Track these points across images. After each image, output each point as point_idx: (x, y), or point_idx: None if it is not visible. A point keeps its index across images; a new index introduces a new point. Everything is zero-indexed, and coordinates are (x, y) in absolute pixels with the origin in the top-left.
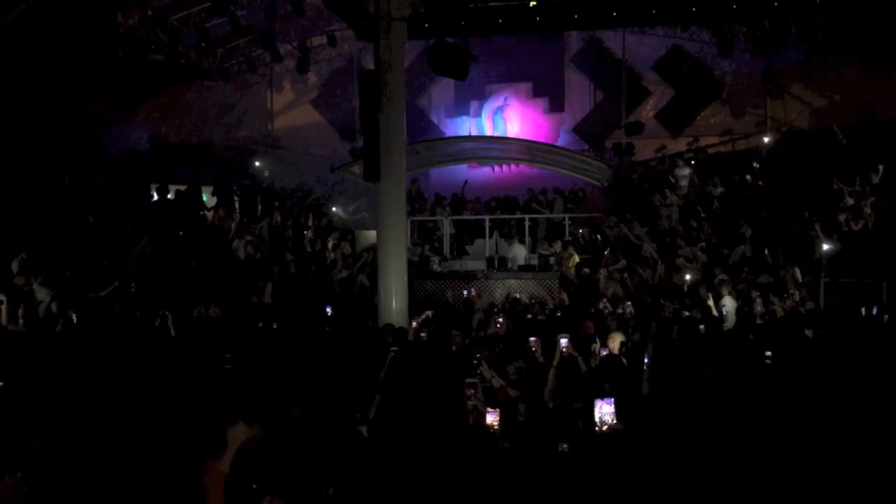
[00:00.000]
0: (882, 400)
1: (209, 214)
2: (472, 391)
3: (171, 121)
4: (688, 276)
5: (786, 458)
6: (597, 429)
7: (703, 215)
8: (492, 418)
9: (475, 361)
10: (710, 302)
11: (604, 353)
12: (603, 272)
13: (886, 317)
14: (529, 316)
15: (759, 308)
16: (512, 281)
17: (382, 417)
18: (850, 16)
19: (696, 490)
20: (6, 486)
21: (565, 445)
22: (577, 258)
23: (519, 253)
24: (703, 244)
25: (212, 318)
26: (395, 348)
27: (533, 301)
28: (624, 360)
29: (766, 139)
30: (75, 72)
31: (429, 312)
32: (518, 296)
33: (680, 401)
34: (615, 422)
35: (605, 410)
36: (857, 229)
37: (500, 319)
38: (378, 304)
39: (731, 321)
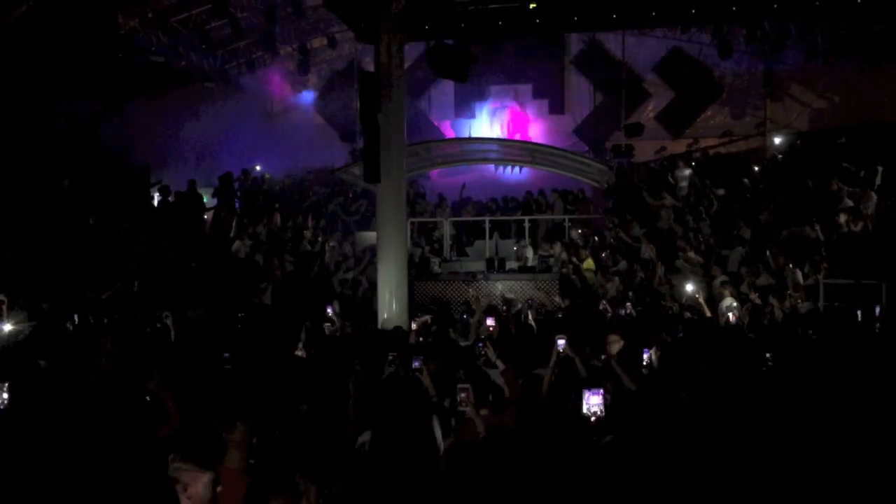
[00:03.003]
0: (875, 401)
1: (209, 215)
2: (464, 395)
3: (171, 123)
4: (689, 287)
5: (782, 456)
6: (585, 417)
7: (703, 216)
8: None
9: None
10: (702, 300)
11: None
12: (602, 274)
13: (878, 325)
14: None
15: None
16: (511, 282)
17: (383, 422)
18: (850, 17)
19: (695, 489)
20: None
21: None
22: (591, 263)
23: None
24: (702, 246)
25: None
26: (395, 353)
27: (531, 302)
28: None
29: (776, 140)
30: (75, 73)
31: (427, 317)
32: (512, 296)
33: (681, 402)
34: (603, 413)
35: (592, 402)
36: (856, 230)
37: (490, 321)
38: (377, 305)
39: (731, 323)
